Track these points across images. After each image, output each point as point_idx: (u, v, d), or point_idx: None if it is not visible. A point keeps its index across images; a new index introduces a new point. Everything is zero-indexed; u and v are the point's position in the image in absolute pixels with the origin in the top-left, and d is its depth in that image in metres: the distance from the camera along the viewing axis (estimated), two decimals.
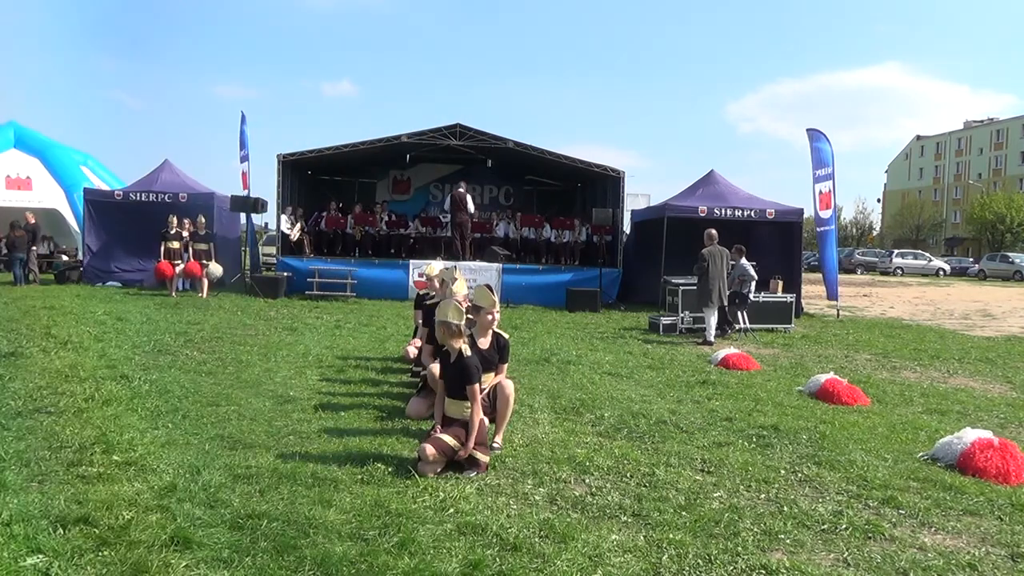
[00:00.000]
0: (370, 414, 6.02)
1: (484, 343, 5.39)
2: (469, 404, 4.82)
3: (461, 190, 17.62)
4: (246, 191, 17.75)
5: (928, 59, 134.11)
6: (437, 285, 7.00)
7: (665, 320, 12.91)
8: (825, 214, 17.01)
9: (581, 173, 19.53)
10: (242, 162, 18.28)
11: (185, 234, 15.84)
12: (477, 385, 4.85)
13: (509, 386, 5.20)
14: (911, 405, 7.42)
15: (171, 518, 3.67)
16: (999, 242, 61.19)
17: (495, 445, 5.09)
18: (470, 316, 5.37)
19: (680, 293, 12.99)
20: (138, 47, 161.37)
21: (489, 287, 5.58)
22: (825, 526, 4.01)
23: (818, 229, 17.21)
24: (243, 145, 18.32)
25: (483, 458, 4.66)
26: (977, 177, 78.41)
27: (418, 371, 6.51)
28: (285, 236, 17.53)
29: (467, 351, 4.90)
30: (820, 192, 16.71)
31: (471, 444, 4.64)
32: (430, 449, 4.51)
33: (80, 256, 19.21)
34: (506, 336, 5.69)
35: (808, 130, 16.82)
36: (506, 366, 5.62)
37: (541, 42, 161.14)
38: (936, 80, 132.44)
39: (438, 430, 4.75)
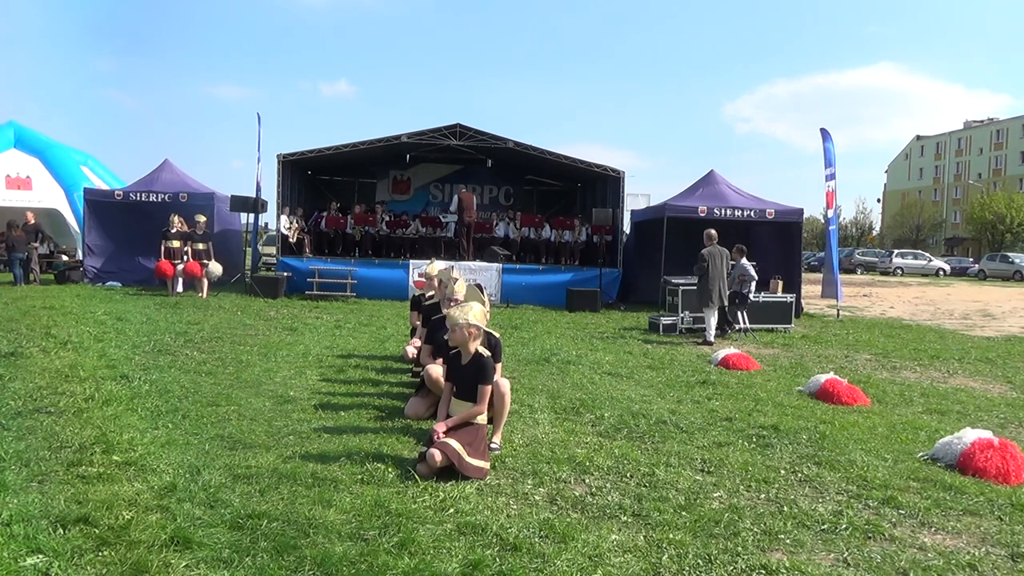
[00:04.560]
0: (370, 414, 6.01)
1: None
2: (475, 404, 4.83)
3: (466, 191, 18.27)
4: (258, 191, 17.85)
5: (920, 59, 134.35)
6: (436, 285, 7.01)
7: (665, 320, 12.91)
8: (830, 213, 17.38)
9: (581, 173, 19.53)
10: (259, 163, 18.45)
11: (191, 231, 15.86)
12: (490, 386, 4.86)
13: (504, 385, 5.19)
14: (911, 405, 7.42)
15: (171, 518, 3.67)
16: (999, 242, 61.21)
17: (494, 445, 5.08)
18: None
19: (680, 293, 12.99)
20: (137, 47, 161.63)
21: (479, 286, 5.61)
22: (825, 526, 4.01)
23: (830, 227, 17.41)
24: (260, 147, 18.54)
25: (484, 465, 4.63)
26: (977, 177, 78.36)
27: (418, 371, 6.51)
28: (285, 236, 17.56)
29: (484, 351, 4.91)
30: (827, 191, 16.82)
31: (469, 460, 4.57)
32: (439, 456, 4.46)
33: (80, 256, 19.20)
34: (497, 335, 5.70)
35: (821, 129, 16.90)
36: (500, 365, 5.62)
37: (541, 42, 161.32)
38: (930, 80, 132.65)
39: (440, 432, 4.71)
